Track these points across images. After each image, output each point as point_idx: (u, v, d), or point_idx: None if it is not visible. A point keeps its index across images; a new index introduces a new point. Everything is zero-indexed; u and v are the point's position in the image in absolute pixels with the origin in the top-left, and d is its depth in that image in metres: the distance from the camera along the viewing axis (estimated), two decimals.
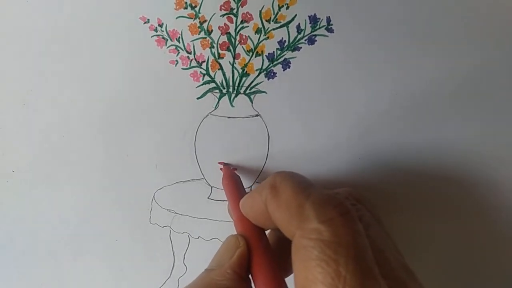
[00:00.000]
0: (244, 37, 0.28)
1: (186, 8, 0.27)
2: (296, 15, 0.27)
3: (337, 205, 0.19)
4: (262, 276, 0.22)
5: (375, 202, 0.30)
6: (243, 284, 0.22)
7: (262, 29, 0.28)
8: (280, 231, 0.22)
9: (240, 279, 0.22)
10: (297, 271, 0.19)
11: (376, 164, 0.30)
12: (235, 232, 0.31)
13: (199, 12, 0.27)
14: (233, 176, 0.29)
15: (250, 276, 0.23)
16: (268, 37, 0.28)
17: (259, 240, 0.24)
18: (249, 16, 0.27)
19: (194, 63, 0.28)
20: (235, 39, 0.28)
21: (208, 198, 0.31)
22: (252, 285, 0.23)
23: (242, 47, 0.28)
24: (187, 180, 0.31)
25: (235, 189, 0.27)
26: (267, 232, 0.25)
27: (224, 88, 0.29)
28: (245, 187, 0.29)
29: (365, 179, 0.30)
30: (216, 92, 0.29)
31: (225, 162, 0.30)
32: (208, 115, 0.29)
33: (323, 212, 0.19)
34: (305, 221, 0.19)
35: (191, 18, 0.28)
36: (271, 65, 0.28)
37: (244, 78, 0.29)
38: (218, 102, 0.29)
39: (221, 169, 0.30)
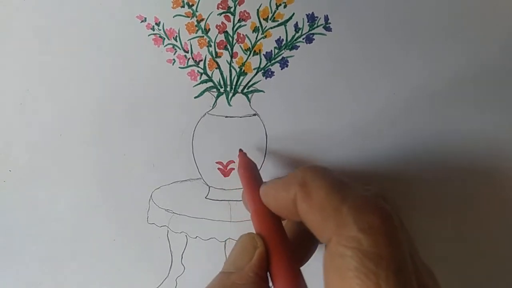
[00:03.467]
0: (241, 35, 0.28)
1: (183, 6, 0.27)
2: (293, 13, 0.27)
3: (378, 210, 0.18)
4: (282, 277, 0.21)
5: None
6: (264, 285, 0.21)
7: (260, 27, 0.28)
8: (300, 222, 0.20)
9: (261, 281, 0.21)
10: (331, 278, 0.18)
11: (374, 163, 0.30)
12: (234, 232, 0.31)
13: (196, 11, 0.27)
14: (249, 165, 0.27)
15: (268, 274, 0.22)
16: (265, 36, 0.28)
17: (278, 236, 0.22)
18: (246, 15, 0.27)
19: (191, 62, 0.28)
20: (232, 37, 0.28)
21: (205, 197, 0.31)
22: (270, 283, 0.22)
23: (240, 46, 0.28)
24: (185, 180, 0.30)
25: (252, 180, 0.26)
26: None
27: (222, 87, 0.29)
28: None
29: (363, 178, 0.30)
30: (214, 91, 0.29)
31: (224, 160, 0.30)
32: (205, 114, 0.29)
33: (363, 218, 0.18)
34: (343, 227, 0.18)
35: (188, 17, 0.27)
36: (269, 64, 0.28)
37: (241, 77, 0.29)
38: (216, 101, 0.29)
39: (238, 156, 0.29)
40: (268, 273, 0.22)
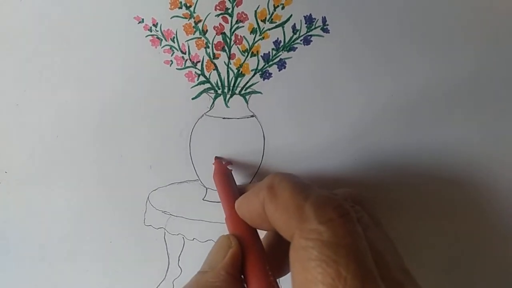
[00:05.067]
0: (239, 37, 0.28)
1: (180, 7, 0.27)
2: (291, 15, 0.27)
3: (336, 206, 0.19)
4: (254, 277, 0.22)
5: (376, 203, 0.30)
6: (237, 284, 0.22)
7: (258, 29, 0.28)
8: (276, 232, 0.22)
9: (233, 280, 0.22)
10: (295, 271, 0.19)
11: (372, 164, 0.30)
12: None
13: (194, 12, 0.27)
14: (224, 172, 0.28)
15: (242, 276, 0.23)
16: (263, 37, 0.28)
17: (251, 238, 0.24)
18: (244, 16, 0.27)
19: (189, 63, 0.28)
20: (230, 39, 0.28)
21: (203, 199, 0.31)
22: (244, 284, 0.23)
23: (237, 47, 0.28)
24: (182, 181, 0.30)
25: (226, 186, 0.27)
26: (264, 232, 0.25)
27: (219, 89, 0.29)
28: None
29: (361, 179, 0.30)
30: (211, 93, 0.29)
31: (220, 157, 0.30)
32: (203, 115, 0.29)
33: (323, 213, 0.19)
34: (305, 221, 0.19)
35: (186, 18, 0.27)
36: (267, 65, 0.28)
37: (239, 79, 0.29)
38: (213, 102, 0.29)
39: (213, 163, 0.30)
40: (242, 275, 0.23)
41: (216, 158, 0.30)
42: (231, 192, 0.26)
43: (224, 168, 0.29)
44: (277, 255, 0.25)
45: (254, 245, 0.23)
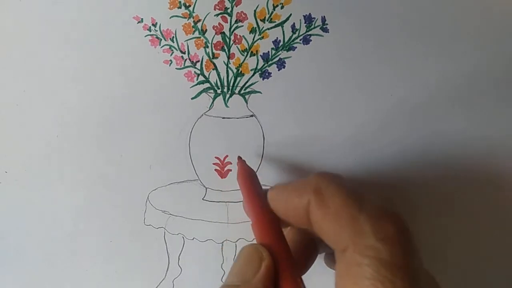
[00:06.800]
0: (238, 36, 0.28)
1: (180, 7, 0.27)
2: (291, 14, 0.27)
3: (395, 220, 0.18)
4: None
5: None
6: None
7: (257, 28, 0.28)
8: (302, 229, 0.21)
9: None
10: (345, 285, 0.18)
11: (371, 164, 0.30)
12: (231, 234, 0.31)
13: (193, 12, 0.27)
14: (249, 173, 0.27)
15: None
16: (262, 37, 0.28)
17: (281, 246, 0.22)
18: (243, 16, 0.27)
19: (188, 63, 0.28)
20: (229, 38, 0.28)
21: (202, 199, 0.31)
22: None
23: (237, 46, 0.28)
24: (182, 181, 0.30)
25: (252, 188, 0.26)
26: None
27: (219, 88, 0.29)
28: None
29: (361, 179, 0.30)
30: (211, 92, 0.29)
31: (221, 161, 0.30)
32: (202, 115, 0.29)
33: (380, 229, 0.18)
34: (360, 235, 0.18)
35: (185, 18, 0.27)
36: (266, 65, 0.28)
37: (238, 78, 0.29)
38: (213, 102, 0.29)
39: (236, 163, 0.29)
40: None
41: (239, 158, 0.29)
42: (257, 195, 0.25)
43: (248, 169, 0.27)
44: (299, 252, 0.24)
45: (284, 254, 0.22)
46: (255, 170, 0.30)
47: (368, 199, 0.20)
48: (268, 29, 0.28)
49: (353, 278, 0.18)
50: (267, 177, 0.30)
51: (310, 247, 0.21)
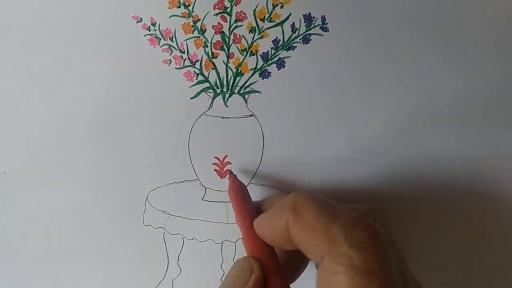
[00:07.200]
0: (238, 36, 0.28)
1: (179, 7, 0.27)
2: (290, 14, 0.27)
3: (366, 227, 0.19)
4: None
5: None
6: None
7: (256, 28, 0.27)
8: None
9: None
10: None
11: (371, 164, 0.30)
12: (230, 234, 0.31)
13: (192, 11, 0.27)
14: (239, 187, 0.28)
15: None
16: (262, 36, 0.28)
17: (271, 259, 0.23)
18: (243, 15, 0.27)
19: (187, 63, 0.28)
20: (229, 38, 0.28)
21: (202, 199, 0.31)
22: None
23: (236, 46, 0.28)
24: (181, 181, 0.30)
25: (243, 203, 0.26)
26: None
27: (218, 88, 0.29)
28: None
29: (360, 179, 0.30)
30: (210, 92, 0.29)
31: (221, 161, 0.30)
32: (202, 115, 0.29)
33: (352, 236, 0.19)
34: (334, 244, 0.19)
35: (185, 17, 0.27)
36: (266, 64, 0.28)
37: (238, 78, 0.29)
38: (212, 102, 0.29)
39: (227, 177, 0.29)
40: None
41: (230, 173, 0.29)
42: (248, 209, 0.26)
43: (239, 184, 0.28)
44: (288, 263, 0.25)
45: (274, 266, 0.23)
46: (254, 170, 0.30)
47: (341, 211, 0.20)
48: (268, 28, 0.27)
49: (330, 286, 0.18)
50: (267, 177, 0.30)
51: (297, 259, 0.22)
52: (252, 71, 0.28)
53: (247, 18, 0.27)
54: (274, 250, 0.24)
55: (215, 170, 0.30)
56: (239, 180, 0.29)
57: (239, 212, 0.26)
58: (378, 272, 0.18)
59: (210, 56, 0.28)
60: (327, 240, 0.19)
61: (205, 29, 0.27)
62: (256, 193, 0.30)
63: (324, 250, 0.19)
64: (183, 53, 0.28)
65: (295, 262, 0.26)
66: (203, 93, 0.29)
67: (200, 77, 0.28)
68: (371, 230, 0.19)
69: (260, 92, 0.29)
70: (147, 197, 0.31)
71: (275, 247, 0.24)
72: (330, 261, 0.18)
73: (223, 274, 0.32)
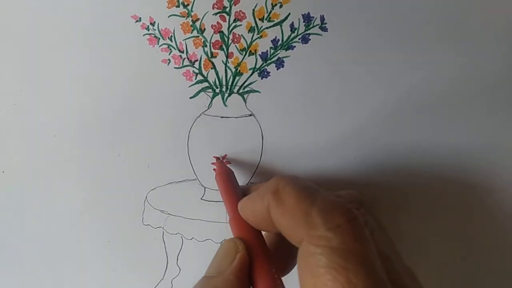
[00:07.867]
0: (237, 36, 0.28)
1: (178, 6, 0.27)
2: (289, 13, 0.27)
3: (344, 211, 0.19)
4: (261, 280, 0.22)
5: (375, 204, 0.30)
6: None
7: (255, 27, 0.27)
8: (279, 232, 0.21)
9: (242, 285, 0.22)
10: (304, 277, 0.19)
11: (371, 164, 0.30)
12: (230, 233, 0.31)
13: (191, 11, 0.27)
14: (226, 172, 0.28)
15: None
16: (261, 36, 0.28)
17: (257, 241, 0.23)
18: (242, 15, 0.27)
19: (186, 62, 0.28)
20: (228, 38, 0.28)
21: (201, 199, 0.31)
22: None
23: (235, 46, 0.28)
24: (180, 181, 0.30)
25: (229, 187, 0.27)
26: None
27: (217, 88, 0.29)
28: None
29: (360, 178, 0.30)
30: (209, 92, 0.29)
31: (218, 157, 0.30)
32: (201, 114, 0.29)
33: (330, 219, 0.19)
34: (312, 228, 0.19)
35: (184, 17, 0.27)
36: (265, 64, 0.28)
37: (237, 77, 0.28)
38: (211, 101, 0.29)
39: (214, 163, 0.30)
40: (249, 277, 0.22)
41: (216, 158, 0.30)
42: (234, 193, 0.26)
43: (225, 169, 0.28)
44: (280, 254, 0.25)
45: (259, 248, 0.23)
46: (254, 169, 0.30)
47: (321, 195, 0.21)
48: (267, 28, 0.27)
49: (309, 268, 0.18)
50: (266, 176, 0.30)
51: (289, 248, 0.22)
52: (251, 70, 0.28)
53: (246, 17, 0.27)
54: (260, 233, 0.24)
55: (214, 169, 0.30)
56: (225, 165, 0.29)
57: (226, 196, 0.26)
58: (355, 252, 0.18)
59: (209, 55, 0.28)
60: (306, 223, 0.19)
61: (204, 29, 0.27)
62: None
63: (303, 233, 0.19)
64: (182, 52, 0.28)
65: (286, 251, 0.26)
66: (202, 93, 0.29)
67: (199, 77, 0.28)
68: (348, 214, 0.19)
69: (259, 92, 0.29)
70: (146, 197, 0.31)
71: (263, 232, 0.24)
72: (309, 243, 0.19)
73: None
